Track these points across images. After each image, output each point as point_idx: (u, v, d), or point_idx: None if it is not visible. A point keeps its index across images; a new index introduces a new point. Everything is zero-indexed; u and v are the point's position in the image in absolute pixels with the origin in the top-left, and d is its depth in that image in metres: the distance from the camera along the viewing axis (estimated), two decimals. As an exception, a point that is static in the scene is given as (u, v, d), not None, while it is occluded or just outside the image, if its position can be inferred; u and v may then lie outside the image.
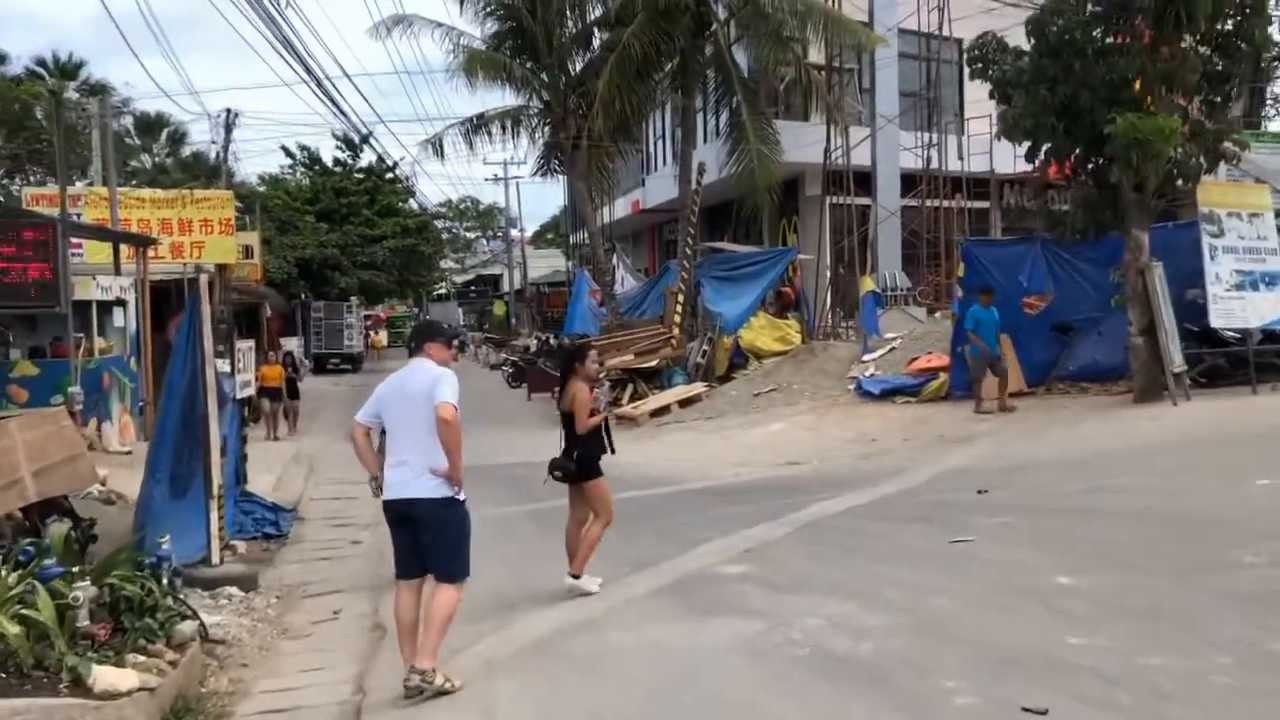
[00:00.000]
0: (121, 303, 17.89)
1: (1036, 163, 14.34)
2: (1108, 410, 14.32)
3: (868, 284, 19.70)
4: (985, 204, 26.89)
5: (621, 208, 37.49)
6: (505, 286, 65.30)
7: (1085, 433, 13.05)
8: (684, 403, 19.53)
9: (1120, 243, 15.23)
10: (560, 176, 29.53)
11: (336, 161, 48.00)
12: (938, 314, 21.81)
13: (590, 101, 22.51)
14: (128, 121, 49.68)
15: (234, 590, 8.80)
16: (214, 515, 9.19)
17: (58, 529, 6.80)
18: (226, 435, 10.14)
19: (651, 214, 36.39)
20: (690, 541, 9.05)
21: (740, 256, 23.25)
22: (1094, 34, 13.39)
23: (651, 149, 35.49)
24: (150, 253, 21.25)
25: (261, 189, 46.80)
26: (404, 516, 5.76)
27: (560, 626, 6.74)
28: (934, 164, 24.84)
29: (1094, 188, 14.05)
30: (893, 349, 18.51)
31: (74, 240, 20.65)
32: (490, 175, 61.22)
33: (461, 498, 5.77)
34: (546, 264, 64.60)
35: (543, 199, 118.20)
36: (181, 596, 7.12)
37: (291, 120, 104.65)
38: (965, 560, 7.42)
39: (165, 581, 7.13)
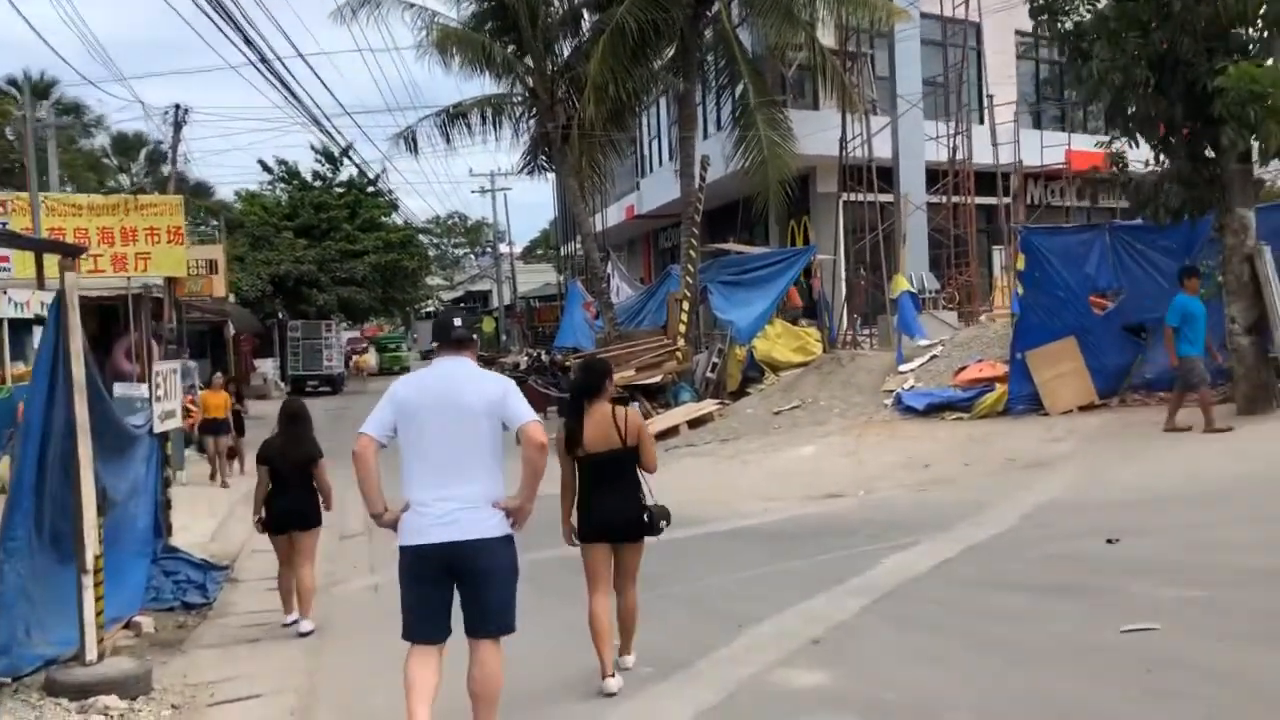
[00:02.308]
0: (43, 321, 15.40)
1: (1114, 137, 11.98)
2: (1207, 425, 11.94)
3: (902, 284, 17.30)
4: (1007, 199, 24.76)
5: (615, 215, 35.29)
6: (495, 302, 62.87)
7: (1194, 454, 10.63)
8: (694, 423, 17.11)
9: (1202, 229, 12.97)
10: (549, 176, 27.17)
11: (316, 175, 45.88)
12: (983, 317, 19.41)
13: (580, 88, 20.15)
14: (104, 141, 47.65)
15: (111, 701, 6.40)
16: (89, 597, 6.79)
17: None
18: (112, 486, 7.72)
19: (647, 220, 34.11)
20: (731, 620, 6.65)
21: (751, 259, 20.86)
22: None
23: (646, 150, 33.19)
24: (91, 265, 18.95)
25: (238, 205, 44.68)
26: (446, 565, 4.45)
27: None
28: (959, 155, 22.55)
29: (1187, 160, 11.67)
30: (934, 357, 16.09)
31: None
32: (477, 188, 58.68)
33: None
34: (537, 278, 62.32)
35: (532, 215, 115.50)
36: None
37: (250, 116, 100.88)
38: (1172, 669, 4.92)
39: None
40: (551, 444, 4.79)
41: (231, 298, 35.14)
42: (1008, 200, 24.73)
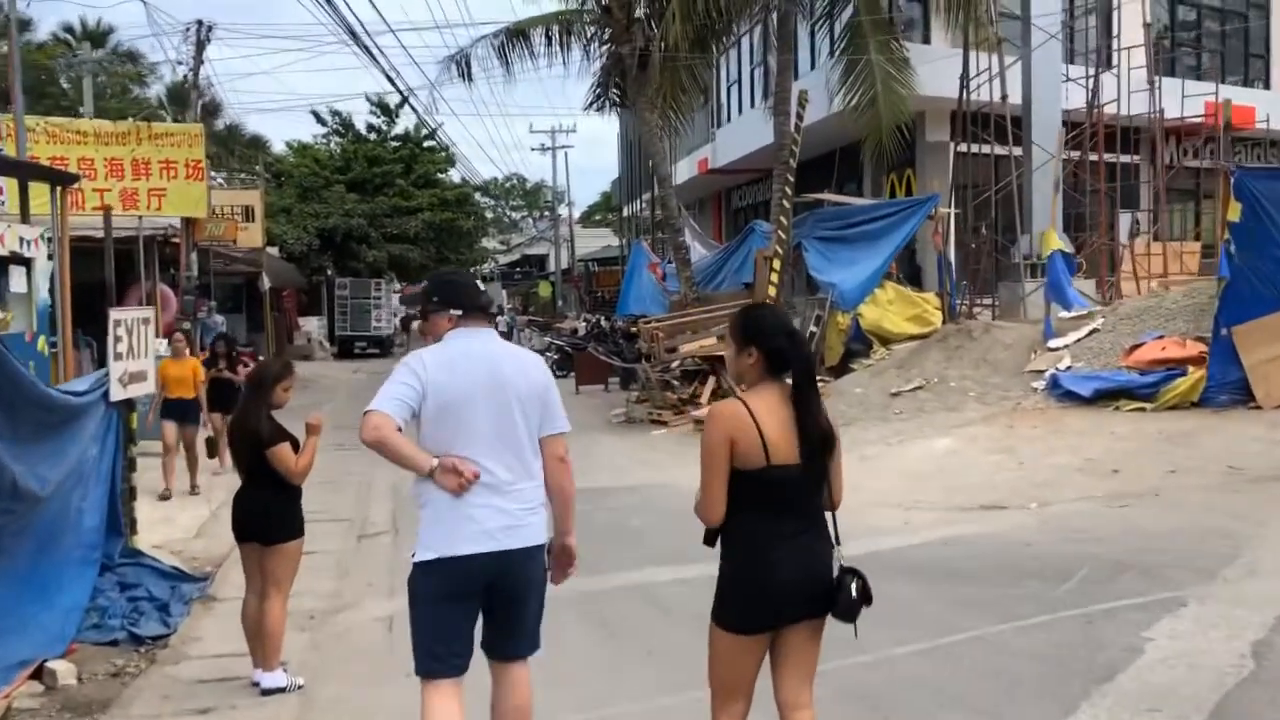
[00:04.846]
0: (23, 260, 12.95)
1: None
2: None
3: (1054, 242, 14.27)
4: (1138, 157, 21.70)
5: (684, 171, 32.41)
6: (552, 266, 60.32)
7: None
8: (789, 403, 14.31)
9: None
10: (614, 128, 24.35)
11: (370, 127, 43.59)
12: (1154, 283, 16.26)
13: (661, 9, 17.27)
14: (159, 90, 46.00)
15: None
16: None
17: None
18: (32, 474, 5.31)
19: (720, 175, 31.18)
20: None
21: (855, 210, 17.93)
22: None
23: (723, 97, 30.14)
24: (97, 201, 16.61)
25: (290, 158, 42.55)
26: (495, 576, 3.63)
27: None
28: (1100, 98, 19.41)
29: None
30: (1094, 331, 13.09)
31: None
32: (537, 145, 55.88)
33: None
34: (597, 241, 59.65)
35: (590, 180, 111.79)
36: None
37: (278, 34, 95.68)
38: None
39: None
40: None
41: (275, 251, 32.95)
42: (1138, 158, 21.68)
